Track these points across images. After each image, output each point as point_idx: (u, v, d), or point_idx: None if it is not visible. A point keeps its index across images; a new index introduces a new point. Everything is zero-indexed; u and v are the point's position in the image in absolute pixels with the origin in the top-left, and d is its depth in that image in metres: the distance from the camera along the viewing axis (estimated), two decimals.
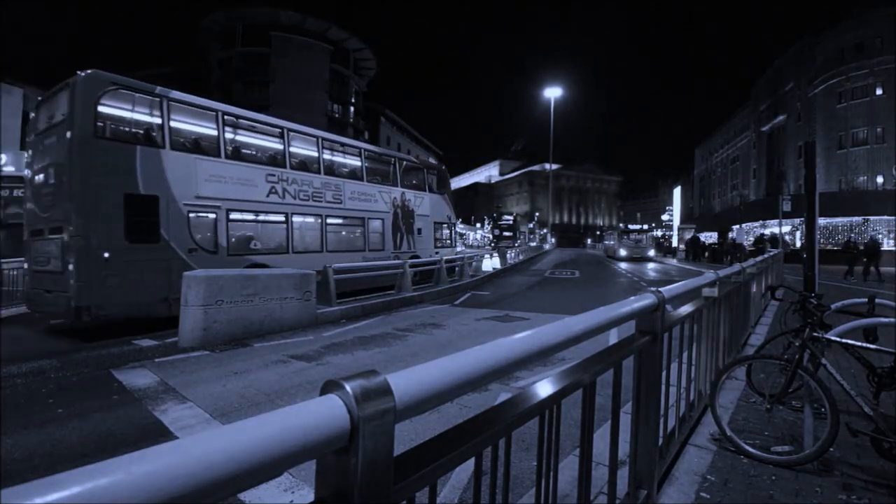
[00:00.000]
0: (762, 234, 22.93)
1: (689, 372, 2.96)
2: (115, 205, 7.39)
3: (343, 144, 12.98)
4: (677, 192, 73.15)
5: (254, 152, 10.55)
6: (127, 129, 8.17)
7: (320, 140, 11.56)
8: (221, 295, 6.76)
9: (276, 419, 0.63)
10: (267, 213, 9.91)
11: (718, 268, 5.93)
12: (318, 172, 11.22)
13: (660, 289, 2.21)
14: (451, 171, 17.89)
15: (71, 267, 7.05)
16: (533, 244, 50.74)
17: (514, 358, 1.12)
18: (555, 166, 62.84)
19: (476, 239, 60.08)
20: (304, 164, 11.06)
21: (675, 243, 41.32)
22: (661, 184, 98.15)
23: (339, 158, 12.51)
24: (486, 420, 1.08)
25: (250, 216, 9.65)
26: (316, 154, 11.37)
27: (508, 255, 25.03)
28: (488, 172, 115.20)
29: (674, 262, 30.80)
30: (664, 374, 2.35)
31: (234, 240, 9.19)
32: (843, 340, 2.77)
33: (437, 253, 14.75)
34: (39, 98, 8.72)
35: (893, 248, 25.95)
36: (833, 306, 3.35)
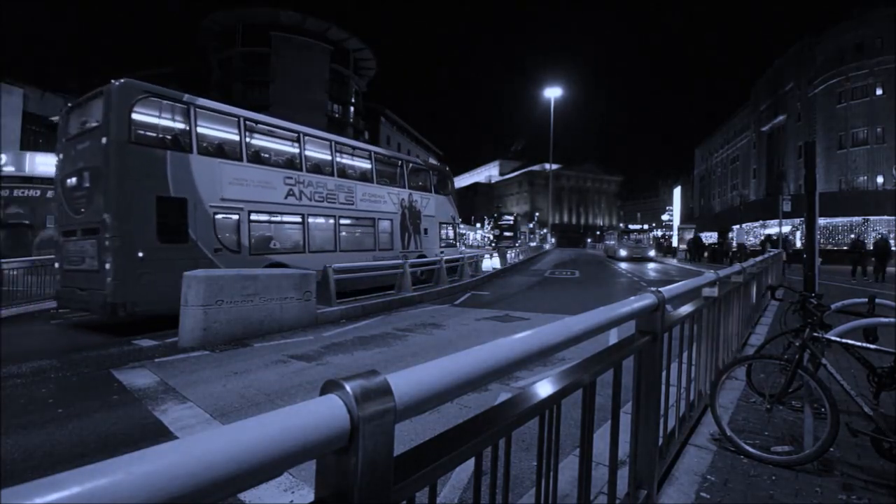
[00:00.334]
0: (769, 235, 22.88)
1: (689, 372, 2.96)
2: (148, 207, 7.77)
3: (354, 147, 13.34)
4: (677, 192, 73.15)
5: (272, 156, 10.85)
6: (158, 134, 8.53)
7: (333, 143, 11.95)
8: (221, 295, 6.77)
9: (276, 419, 0.63)
10: (285, 214, 10.31)
11: (718, 268, 5.93)
12: (332, 175, 11.60)
13: (660, 289, 2.21)
14: (451, 171, 17.99)
15: (108, 266, 7.39)
16: (533, 244, 50.73)
17: (514, 358, 1.12)
18: (555, 166, 62.84)
19: (476, 239, 60.07)
20: (319, 167, 11.44)
21: (675, 243, 41.30)
22: (661, 184, 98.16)
23: (350, 161, 12.86)
24: (486, 420, 1.08)
25: (270, 217, 10.06)
26: (329, 157, 11.72)
27: (508, 255, 25.04)
28: (488, 172, 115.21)
29: (674, 262, 30.80)
30: (664, 374, 2.35)
31: (255, 240, 9.55)
32: (843, 340, 2.77)
33: (442, 252, 14.95)
34: (69, 104, 9.13)
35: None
36: (833, 306, 3.35)
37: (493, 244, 48.07)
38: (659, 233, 59.86)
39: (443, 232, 16.16)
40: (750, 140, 48.70)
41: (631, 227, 37.39)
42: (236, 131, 9.57)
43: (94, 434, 3.52)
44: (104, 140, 7.57)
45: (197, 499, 0.52)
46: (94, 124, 8.12)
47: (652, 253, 32.34)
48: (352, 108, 47.74)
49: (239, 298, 6.97)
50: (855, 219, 30.72)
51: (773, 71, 43.91)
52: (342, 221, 11.74)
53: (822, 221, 28.49)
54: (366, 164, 13.17)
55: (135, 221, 7.59)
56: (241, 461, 0.56)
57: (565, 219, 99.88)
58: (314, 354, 5.99)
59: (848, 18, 35.35)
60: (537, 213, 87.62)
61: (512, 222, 57.46)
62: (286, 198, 10.21)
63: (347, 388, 0.70)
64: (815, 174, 6.84)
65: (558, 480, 1.39)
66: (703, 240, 33.90)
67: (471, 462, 1.04)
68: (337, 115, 45.03)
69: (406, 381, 0.81)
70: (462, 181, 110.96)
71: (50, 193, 19.07)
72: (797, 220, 28.53)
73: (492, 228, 60.57)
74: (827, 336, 2.81)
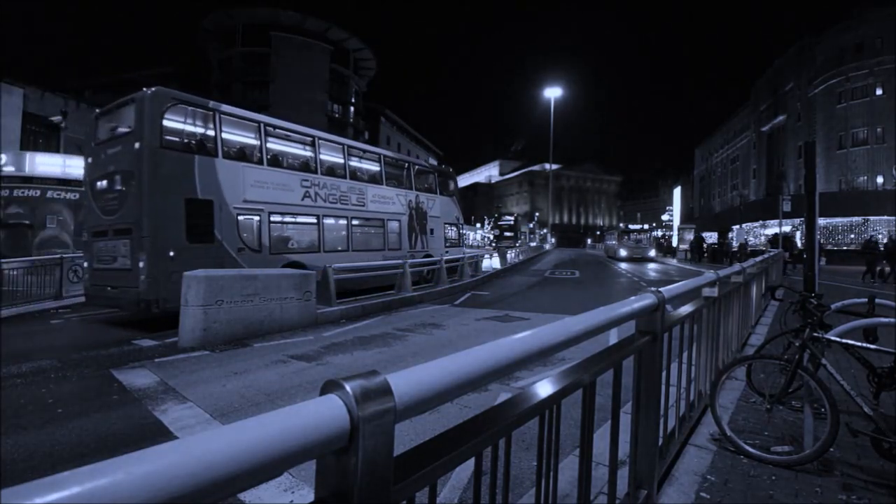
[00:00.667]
0: (777, 234, 22.76)
1: (689, 372, 2.96)
2: (178, 208, 8.15)
3: (364, 151, 13.76)
4: (677, 192, 73.11)
5: (289, 159, 11.19)
6: (186, 140, 8.91)
7: (346, 147, 12.42)
8: (221, 295, 6.77)
9: (276, 419, 0.63)
10: (302, 215, 10.70)
11: (718, 268, 5.93)
12: (344, 177, 12.01)
13: (660, 289, 2.21)
14: (454, 173, 18.05)
15: (141, 264, 7.74)
16: (533, 244, 50.73)
17: (514, 358, 1.12)
18: (555, 166, 62.82)
19: (476, 239, 60.05)
20: (332, 170, 11.80)
21: (674, 243, 41.27)
22: (661, 184, 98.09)
23: (361, 164, 13.26)
24: (486, 420, 1.08)
25: (288, 218, 10.44)
26: (342, 160, 12.13)
27: (508, 256, 25.05)
28: (488, 172, 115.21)
29: (674, 262, 30.80)
30: (664, 374, 2.35)
31: (274, 240, 9.91)
32: (843, 340, 2.77)
33: (447, 252, 15.39)
34: (97, 111, 9.47)
35: None
36: (833, 306, 3.35)
37: (494, 244, 48.06)
38: (659, 233, 59.82)
39: (447, 232, 16.59)
40: (750, 140, 48.69)
41: (631, 226, 37.15)
42: (257, 136, 10.02)
43: (94, 434, 3.52)
44: (137, 145, 7.97)
45: (197, 499, 0.52)
46: (126, 130, 8.55)
47: (652, 253, 32.33)
48: (352, 108, 47.76)
49: (239, 298, 6.97)
50: (855, 219, 30.72)
51: (773, 71, 43.90)
52: (354, 222, 12.12)
53: (822, 221, 28.49)
54: (375, 167, 13.58)
55: (166, 222, 7.96)
56: (241, 461, 0.56)
57: (565, 219, 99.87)
58: (314, 354, 5.99)
59: (848, 18, 35.33)
60: (537, 213, 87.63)
61: (512, 222, 57.42)
62: (303, 199, 10.62)
63: (347, 388, 0.70)
64: (815, 174, 6.83)
65: (558, 480, 1.39)
66: (705, 240, 33.67)
67: (471, 462, 1.04)
68: (337, 115, 45.04)
69: (406, 381, 0.81)
70: (462, 181, 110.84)
71: (50, 193, 19.16)
72: (797, 220, 28.53)
73: (492, 228, 60.53)
74: (827, 336, 2.81)
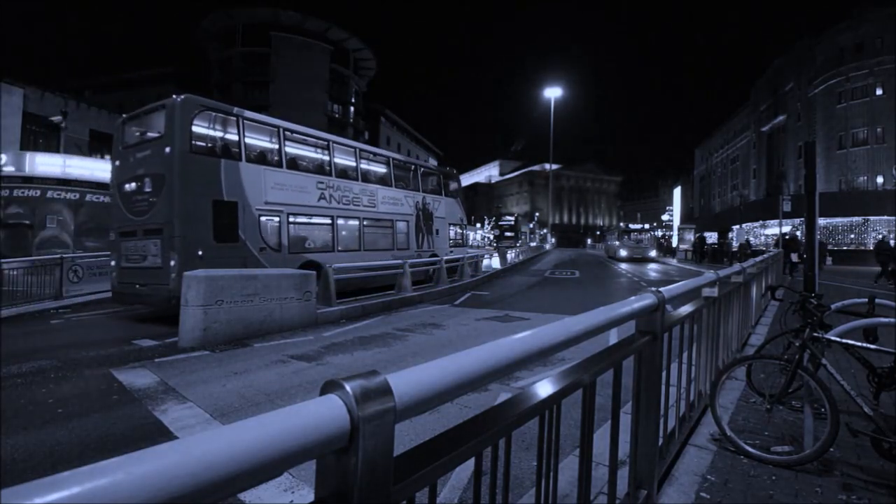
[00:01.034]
0: (784, 235, 22.69)
1: (689, 372, 2.96)
2: (206, 210, 8.58)
3: (375, 154, 14.27)
4: (677, 192, 73.10)
5: (306, 163, 11.56)
6: (213, 144, 9.32)
7: (357, 150, 12.90)
8: (221, 295, 6.76)
9: (276, 419, 0.63)
10: (318, 216, 11.12)
11: (718, 268, 5.92)
12: (356, 179, 12.45)
13: (660, 289, 2.21)
14: (458, 175, 18.19)
15: (172, 263, 8.10)
16: (533, 244, 50.70)
17: (514, 358, 1.12)
18: (555, 166, 62.76)
19: (476, 239, 60.01)
20: (345, 172, 12.22)
21: (675, 243, 41.23)
22: (661, 184, 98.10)
23: (371, 167, 13.63)
24: (486, 420, 1.08)
25: (305, 219, 10.82)
26: (354, 163, 12.58)
27: (509, 256, 25.06)
28: (488, 172, 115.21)
29: (674, 262, 30.78)
30: (664, 374, 2.35)
31: (292, 240, 10.31)
32: (844, 340, 2.77)
33: (451, 252, 15.85)
34: (124, 115, 9.87)
35: None
36: (833, 306, 3.35)
37: (494, 244, 48.03)
38: (659, 233, 59.76)
39: (452, 232, 17.07)
40: (750, 140, 48.69)
41: (632, 226, 36.75)
42: (276, 140, 10.45)
43: (94, 434, 3.52)
44: (168, 150, 8.35)
45: (197, 499, 0.52)
46: (155, 135, 8.96)
47: (653, 253, 32.17)
48: (352, 108, 47.77)
49: (239, 298, 6.97)
50: (855, 219, 30.71)
51: (773, 71, 43.89)
52: (365, 223, 12.52)
53: (822, 221, 28.48)
54: (385, 169, 14.02)
55: (195, 223, 8.37)
56: (241, 461, 0.56)
57: (565, 219, 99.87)
58: (314, 354, 5.99)
59: (848, 18, 35.32)
60: (537, 213, 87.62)
61: (513, 222, 57.32)
62: (318, 201, 11.05)
63: (347, 388, 0.70)
64: (815, 174, 6.84)
65: (558, 480, 1.39)
66: (707, 240, 33.37)
67: (471, 462, 1.04)
68: (337, 116, 45.04)
69: (406, 381, 0.81)
70: (462, 181, 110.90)
71: (50, 193, 19.15)
72: (797, 220, 28.52)
73: (492, 228, 60.45)
74: (827, 336, 2.81)
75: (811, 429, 2.69)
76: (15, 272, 10.64)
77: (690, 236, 37.04)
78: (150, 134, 9.28)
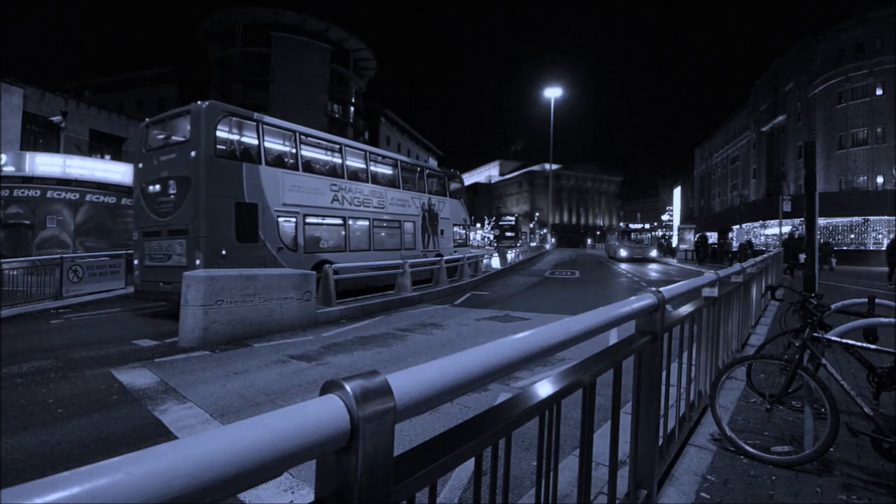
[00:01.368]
0: (792, 234, 22.56)
1: (689, 372, 2.96)
2: (229, 212, 8.94)
3: (384, 156, 14.55)
4: (677, 192, 73.07)
5: (319, 165, 11.83)
6: (235, 148, 9.70)
7: (367, 153, 13.29)
8: (221, 295, 6.76)
9: (275, 419, 0.63)
10: (331, 217, 11.47)
11: (718, 268, 5.92)
12: (367, 181, 12.82)
13: (660, 289, 2.21)
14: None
15: (198, 262, 8.42)
16: (533, 244, 50.69)
17: (514, 358, 1.12)
18: (555, 166, 62.81)
19: (476, 239, 59.96)
20: (356, 175, 12.60)
21: (674, 243, 41.19)
22: (661, 184, 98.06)
23: (380, 169, 13.92)
24: (486, 420, 1.08)
25: (319, 220, 11.16)
26: (364, 166, 12.95)
27: (509, 256, 25.06)
28: (488, 172, 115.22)
29: (674, 262, 30.75)
30: (664, 374, 2.35)
31: (308, 240, 10.68)
32: (844, 340, 2.77)
33: (455, 251, 16.28)
34: (147, 120, 10.21)
35: None
36: (833, 306, 3.35)
37: (494, 244, 48.01)
38: (658, 233, 59.70)
39: (456, 232, 17.45)
40: (750, 140, 48.67)
41: (632, 226, 36.41)
42: (293, 144, 10.82)
43: (94, 434, 3.52)
44: (193, 153, 8.69)
45: (197, 499, 0.52)
46: (180, 139, 9.32)
47: (654, 253, 32.02)
48: (352, 108, 47.73)
49: (239, 298, 6.97)
50: (855, 219, 30.69)
51: (773, 71, 43.88)
52: (375, 223, 12.90)
53: (822, 221, 28.48)
54: (393, 172, 14.33)
55: (219, 224, 8.73)
56: (241, 461, 0.56)
57: (565, 219, 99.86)
58: (314, 354, 5.99)
59: (848, 18, 35.32)
60: (537, 213, 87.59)
61: (513, 222, 57.27)
62: (332, 202, 11.41)
63: (347, 388, 0.70)
64: (815, 174, 6.83)
65: (558, 480, 1.39)
66: (708, 240, 33.00)
67: (471, 462, 1.04)
68: (337, 116, 45.02)
69: (406, 381, 0.81)
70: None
71: (50, 193, 19.15)
72: (797, 220, 28.51)
73: (492, 228, 60.39)
74: (827, 336, 2.81)
75: (811, 429, 2.69)
76: (15, 272, 10.64)
77: (690, 236, 36.97)
78: (174, 138, 9.66)
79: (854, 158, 34.56)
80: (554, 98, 35.93)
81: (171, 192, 9.08)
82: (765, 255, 8.95)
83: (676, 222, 60.91)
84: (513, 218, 58.94)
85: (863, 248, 29.46)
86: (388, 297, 10.64)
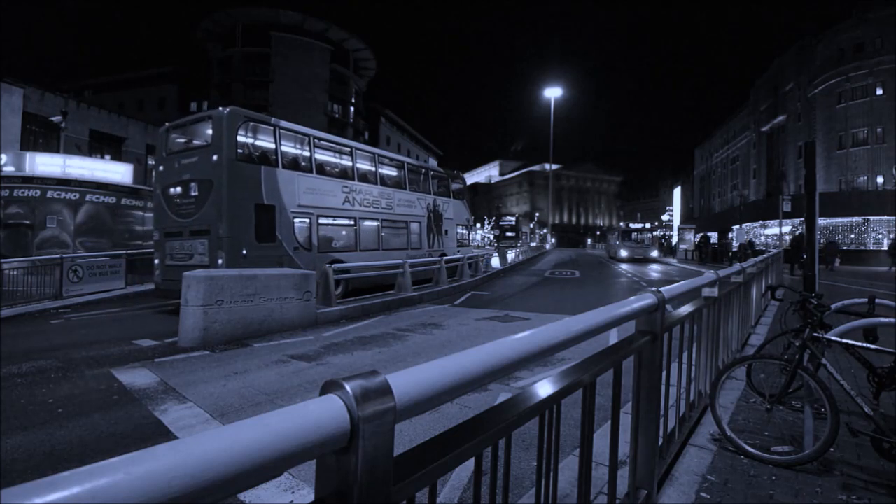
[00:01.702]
0: (796, 234, 22.41)
1: (689, 372, 2.96)
2: (249, 213, 9.31)
3: (391, 159, 15.08)
4: (677, 192, 73.11)
5: (331, 168, 12.21)
6: (254, 152, 10.01)
7: (376, 156, 13.73)
8: (221, 295, 6.76)
9: (275, 419, 0.63)
10: (342, 217, 11.85)
11: (719, 268, 5.92)
12: (375, 183, 13.18)
13: (660, 289, 2.21)
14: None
15: (220, 261, 8.80)
16: (533, 244, 50.67)
17: (514, 358, 1.12)
18: (555, 166, 62.80)
19: (476, 239, 59.89)
20: (365, 177, 12.93)
21: (674, 242, 41.14)
22: (661, 184, 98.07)
23: (388, 171, 14.35)
24: (486, 420, 1.08)
25: (332, 220, 11.55)
26: (373, 168, 13.30)
27: (509, 256, 25.06)
28: (488, 172, 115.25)
29: (675, 262, 30.72)
30: (664, 374, 2.35)
31: (321, 240, 11.05)
32: (844, 340, 2.77)
33: (458, 251, 16.65)
34: (167, 124, 10.60)
35: None
36: (833, 306, 3.35)
37: (494, 244, 47.99)
38: (658, 233, 59.63)
39: (459, 233, 17.87)
40: (750, 140, 48.66)
41: (633, 225, 36.05)
42: (307, 147, 11.19)
43: (94, 434, 3.52)
44: (215, 157, 9.06)
45: (197, 499, 0.52)
46: (201, 143, 9.81)
47: (655, 253, 31.63)
48: (352, 108, 47.74)
49: (239, 298, 6.96)
50: (855, 219, 30.69)
51: (773, 71, 43.87)
52: (384, 224, 13.27)
53: (822, 221, 28.47)
54: (400, 173, 14.76)
55: (240, 224, 9.10)
56: (241, 461, 0.56)
57: (565, 219, 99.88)
58: (314, 354, 5.99)
59: (848, 18, 35.31)
60: (537, 213, 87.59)
61: (514, 222, 57.22)
62: (343, 204, 11.77)
63: (347, 388, 0.70)
64: (815, 174, 6.83)
65: (558, 480, 1.39)
66: (710, 240, 32.64)
67: (471, 462, 1.04)
68: (337, 116, 45.02)
69: (406, 381, 0.81)
70: None
71: (50, 193, 19.14)
72: (797, 220, 28.49)
73: (492, 228, 60.34)
74: (827, 336, 2.80)
75: (811, 429, 2.69)
76: (15, 272, 10.64)
77: (690, 236, 36.92)
78: (195, 142, 10.15)
79: (854, 158, 34.56)
80: (554, 98, 35.92)
81: (193, 193, 9.45)
82: (765, 255, 8.95)
83: (676, 222, 60.91)
84: (513, 218, 58.91)
85: (863, 248, 29.45)
86: (388, 297, 10.64)
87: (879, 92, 33.21)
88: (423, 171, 16.41)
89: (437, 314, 9.31)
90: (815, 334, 2.82)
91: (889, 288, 13.61)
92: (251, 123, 9.92)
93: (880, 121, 32.82)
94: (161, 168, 10.29)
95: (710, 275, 3.51)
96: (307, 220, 10.66)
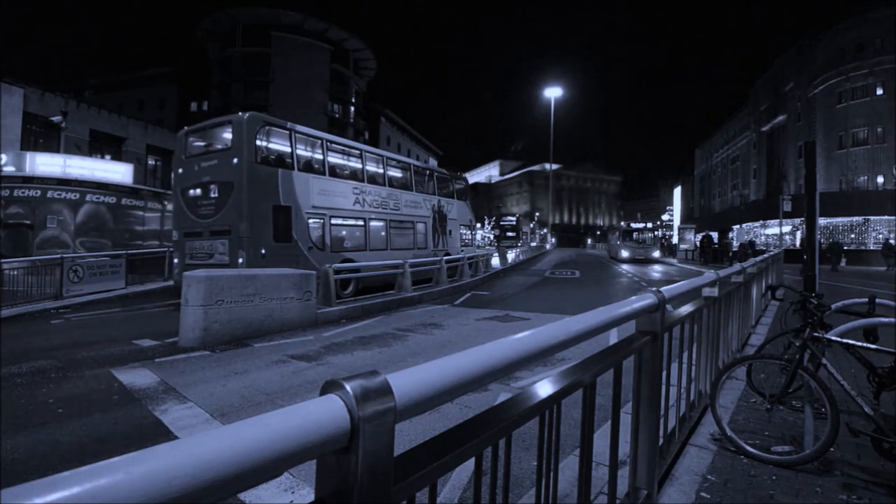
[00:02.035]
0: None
1: (689, 372, 2.96)
2: (267, 214, 9.66)
3: (398, 161, 15.49)
4: (677, 192, 73.10)
5: (342, 170, 12.54)
6: (271, 155, 10.34)
7: (384, 158, 14.15)
8: (222, 295, 6.76)
9: (276, 419, 0.63)
10: (353, 218, 12.21)
11: (719, 268, 5.92)
12: (384, 185, 13.55)
13: (660, 289, 2.21)
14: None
15: (240, 260, 9.14)
16: (533, 244, 50.64)
17: (514, 358, 1.12)
18: (555, 166, 62.75)
19: (476, 239, 59.67)
20: (374, 178, 13.31)
21: (675, 242, 41.08)
22: (661, 184, 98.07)
23: (395, 173, 14.70)
24: (486, 420, 1.08)
25: (343, 221, 11.87)
26: (381, 170, 13.71)
27: (509, 256, 25.06)
28: (488, 172, 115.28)
29: (675, 262, 30.67)
30: (664, 374, 2.35)
31: (333, 240, 11.39)
32: (844, 340, 2.77)
33: (462, 251, 16.92)
34: (186, 128, 11.01)
35: None
36: (833, 306, 3.35)
37: (494, 244, 47.97)
38: (660, 233, 59.53)
39: (463, 233, 18.23)
40: (750, 140, 48.65)
41: (634, 225, 35.31)
42: (320, 150, 11.58)
43: (94, 434, 3.52)
44: (236, 160, 9.44)
45: (197, 499, 0.52)
46: (221, 147, 10.20)
47: (657, 254, 30.97)
48: (352, 108, 47.71)
49: (239, 298, 6.96)
50: (855, 219, 30.69)
51: (773, 71, 43.86)
52: (391, 224, 13.61)
53: (822, 221, 28.45)
54: (406, 175, 15.11)
55: (259, 225, 9.43)
56: (241, 461, 0.56)
57: (565, 219, 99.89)
58: (314, 354, 5.99)
59: (848, 18, 35.30)
60: (537, 213, 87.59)
61: (514, 222, 57.12)
62: (354, 205, 12.13)
63: (347, 388, 0.70)
64: (815, 174, 6.83)
65: (558, 480, 1.39)
66: (713, 239, 32.18)
67: (471, 462, 1.04)
68: (337, 115, 45.00)
69: (406, 381, 0.81)
70: None
71: (50, 193, 19.14)
72: (797, 220, 28.50)
73: (492, 228, 60.30)
74: (827, 336, 2.80)
75: (811, 429, 2.69)
76: (15, 272, 10.64)
77: (691, 236, 36.85)
78: (215, 146, 10.51)
79: (854, 158, 34.55)
80: (554, 98, 35.91)
81: (213, 195, 9.81)
82: (765, 255, 8.95)
83: (676, 222, 60.89)
84: (514, 218, 58.84)
85: (863, 247, 29.45)
86: (388, 297, 10.65)
87: (879, 92, 33.20)
88: (428, 172, 16.75)
89: (437, 314, 9.31)
90: (816, 334, 2.81)
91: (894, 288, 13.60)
92: (268, 127, 10.26)
93: (880, 121, 32.81)
94: (181, 170, 10.65)
95: (710, 275, 3.51)
96: (320, 221, 10.99)
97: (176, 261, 10.61)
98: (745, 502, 2.30)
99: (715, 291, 3.37)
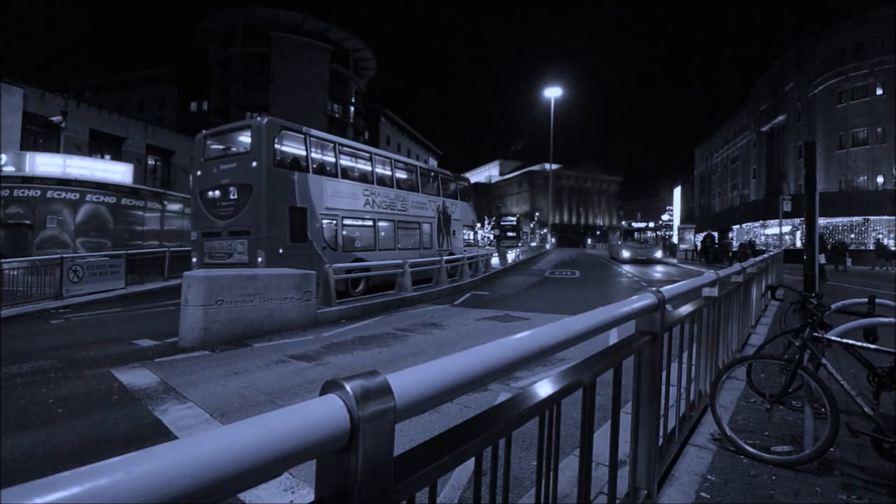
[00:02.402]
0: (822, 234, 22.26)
1: (689, 372, 2.96)
2: (284, 215, 10.02)
3: (406, 163, 15.88)
4: (677, 192, 73.09)
5: (354, 172, 12.95)
6: (288, 159, 10.71)
7: (392, 160, 14.55)
8: (221, 295, 6.76)
9: (276, 419, 0.63)
10: (363, 219, 12.58)
11: (719, 268, 5.92)
12: (392, 186, 13.93)
13: (660, 289, 2.21)
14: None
15: (260, 259, 9.48)
16: (533, 244, 50.62)
17: (514, 358, 1.12)
18: (555, 166, 62.72)
19: (476, 239, 59.56)
20: (383, 180, 13.67)
21: (675, 242, 41.04)
22: (661, 184, 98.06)
23: (402, 175, 15.07)
24: (486, 420, 1.08)
25: (354, 222, 12.24)
26: (389, 172, 14.11)
27: (509, 256, 25.06)
28: (488, 172, 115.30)
29: (675, 262, 30.64)
30: (664, 374, 2.35)
31: (345, 240, 11.77)
32: (844, 340, 2.77)
33: (465, 251, 17.26)
34: (204, 132, 11.40)
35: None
36: (833, 306, 3.35)
37: (495, 244, 47.96)
38: (661, 232, 59.41)
39: (466, 233, 18.64)
40: (750, 140, 48.66)
41: (636, 224, 34.61)
42: (333, 154, 11.97)
43: (94, 434, 3.52)
44: (254, 163, 9.81)
45: (197, 499, 0.52)
46: (239, 150, 10.69)
47: (659, 254, 30.38)
48: (352, 108, 47.72)
49: (239, 298, 6.96)
50: (855, 219, 30.70)
51: (773, 71, 43.86)
52: (399, 225, 14.00)
53: (822, 221, 28.44)
54: (413, 177, 15.51)
55: (277, 225, 9.80)
56: (241, 461, 0.56)
57: (565, 219, 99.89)
58: (314, 354, 5.99)
59: (848, 18, 35.31)
60: (537, 213, 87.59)
61: (515, 222, 57.05)
62: (364, 206, 12.50)
63: (347, 388, 0.70)
64: (815, 174, 6.83)
65: (558, 480, 1.39)
66: (714, 239, 31.77)
67: (471, 462, 1.04)
68: (337, 116, 45.01)
69: (406, 381, 0.81)
70: None
71: (50, 193, 19.15)
72: (797, 220, 28.51)
73: (492, 228, 60.28)
74: (827, 336, 2.80)
75: (811, 429, 2.69)
76: (15, 272, 10.64)
77: (691, 236, 36.82)
78: (233, 149, 11.01)
79: (854, 158, 34.56)
80: (554, 98, 35.93)
81: (232, 197, 10.16)
82: (765, 255, 8.94)
83: (677, 222, 60.87)
84: (514, 218, 58.79)
85: (863, 247, 29.45)
86: (388, 297, 10.66)
87: (879, 92, 33.21)
88: (433, 174, 17.23)
89: (437, 314, 9.31)
90: (816, 334, 2.81)
91: None
92: (285, 132, 10.57)
93: (880, 121, 32.82)
94: (199, 173, 10.93)
95: (710, 275, 3.51)
96: (333, 222, 11.36)
97: (195, 259, 10.88)
98: (745, 502, 2.30)
99: (715, 291, 3.37)
